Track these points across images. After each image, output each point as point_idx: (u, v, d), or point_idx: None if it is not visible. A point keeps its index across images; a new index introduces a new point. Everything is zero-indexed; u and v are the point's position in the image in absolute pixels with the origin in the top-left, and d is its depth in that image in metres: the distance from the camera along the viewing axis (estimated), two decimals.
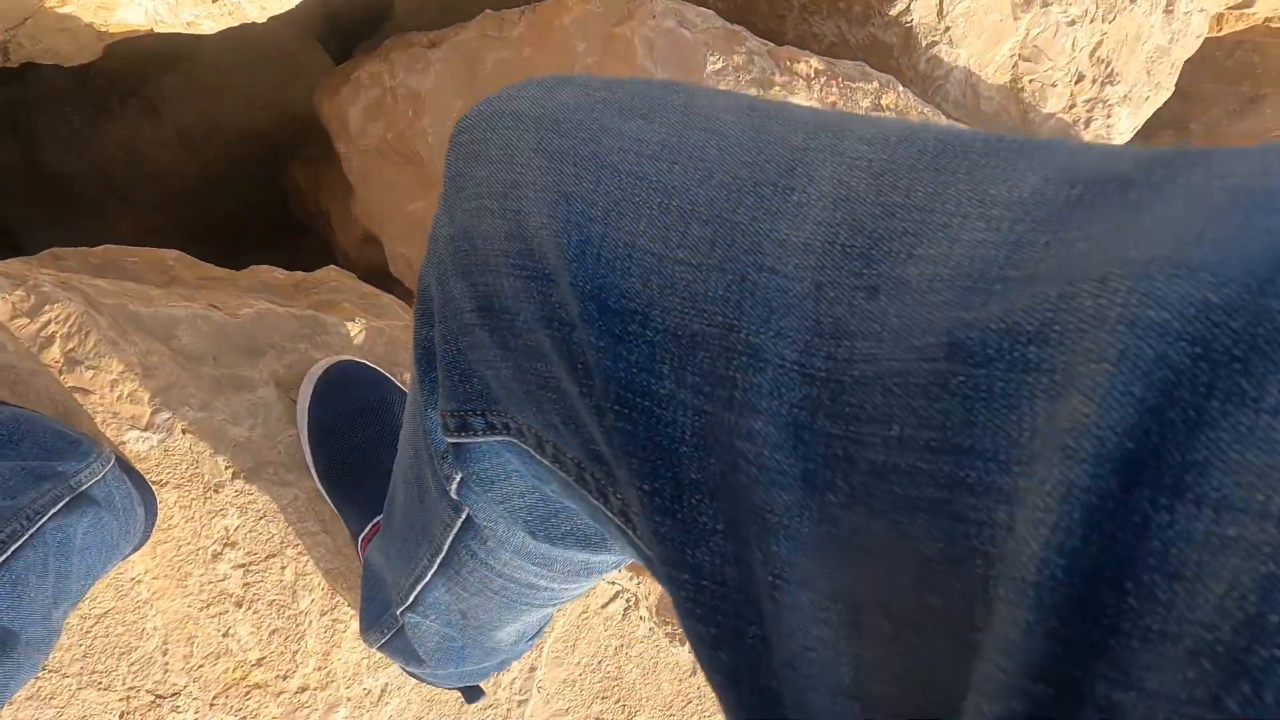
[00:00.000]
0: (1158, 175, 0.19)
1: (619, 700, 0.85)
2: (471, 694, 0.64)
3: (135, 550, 0.58)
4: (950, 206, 0.21)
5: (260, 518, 0.64)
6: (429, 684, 0.68)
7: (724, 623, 0.24)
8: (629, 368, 0.26)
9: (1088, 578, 0.16)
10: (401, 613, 0.52)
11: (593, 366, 0.27)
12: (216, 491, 0.63)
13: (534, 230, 0.28)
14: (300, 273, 0.84)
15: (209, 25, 0.76)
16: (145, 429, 0.60)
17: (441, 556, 0.44)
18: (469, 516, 0.40)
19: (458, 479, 0.38)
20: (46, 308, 0.58)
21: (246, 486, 0.64)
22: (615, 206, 0.27)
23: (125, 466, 0.56)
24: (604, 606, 0.84)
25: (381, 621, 0.55)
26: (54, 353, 0.58)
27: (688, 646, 0.88)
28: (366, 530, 0.61)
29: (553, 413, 0.30)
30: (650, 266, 0.26)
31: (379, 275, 1.02)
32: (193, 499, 0.62)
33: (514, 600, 0.46)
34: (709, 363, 0.24)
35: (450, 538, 0.43)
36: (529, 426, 0.32)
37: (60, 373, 0.58)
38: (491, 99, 0.33)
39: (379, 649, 0.58)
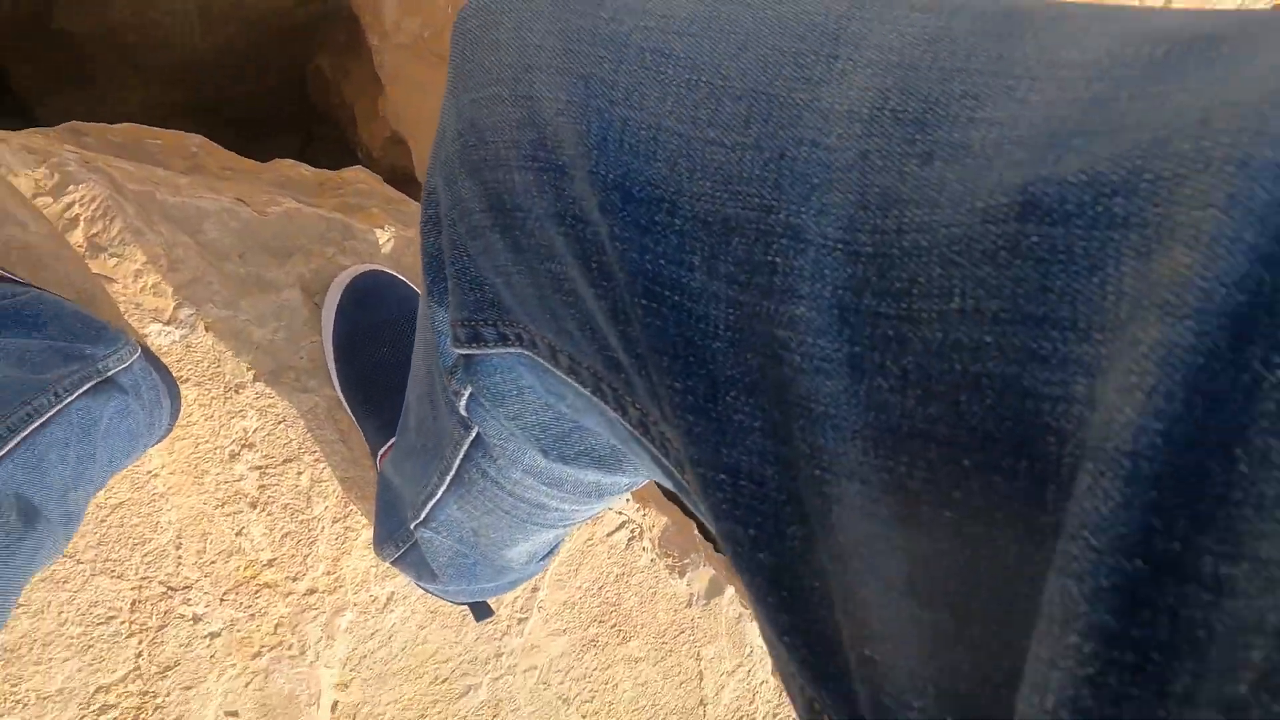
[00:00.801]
0: (1253, 29, 0.17)
1: (615, 625, 0.87)
2: (480, 611, 0.64)
3: (158, 442, 0.57)
4: (1017, 70, 0.20)
5: (279, 422, 0.64)
6: (440, 599, 0.69)
7: (764, 523, 0.23)
8: (656, 260, 0.24)
9: (1191, 444, 0.15)
10: (415, 527, 0.51)
11: (613, 263, 0.25)
12: (237, 392, 0.62)
13: (549, 117, 0.27)
14: (327, 170, 0.82)
15: None
16: (168, 323, 0.59)
17: (452, 475, 0.44)
18: (479, 434, 0.39)
19: (466, 394, 0.36)
20: (71, 188, 0.55)
21: (267, 390, 0.63)
22: (638, 87, 0.25)
23: (151, 358, 0.55)
24: (609, 535, 0.84)
25: (396, 536, 0.55)
26: (77, 236, 0.56)
27: (687, 579, 0.90)
28: (385, 447, 0.61)
29: (567, 319, 0.28)
30: (678, 149, 0.24)
31: (402, 179, 0.99)
32: (213, 398, 0.61)
33: (524, 520, 0.46)
34: (744, 249, 0.23)
35: (460, 456, 0.42)
36: (542, 336, 0.30)
37: (84, 257, 0.56)
38: None
39: (392, 563, 0.58)
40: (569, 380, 0.30)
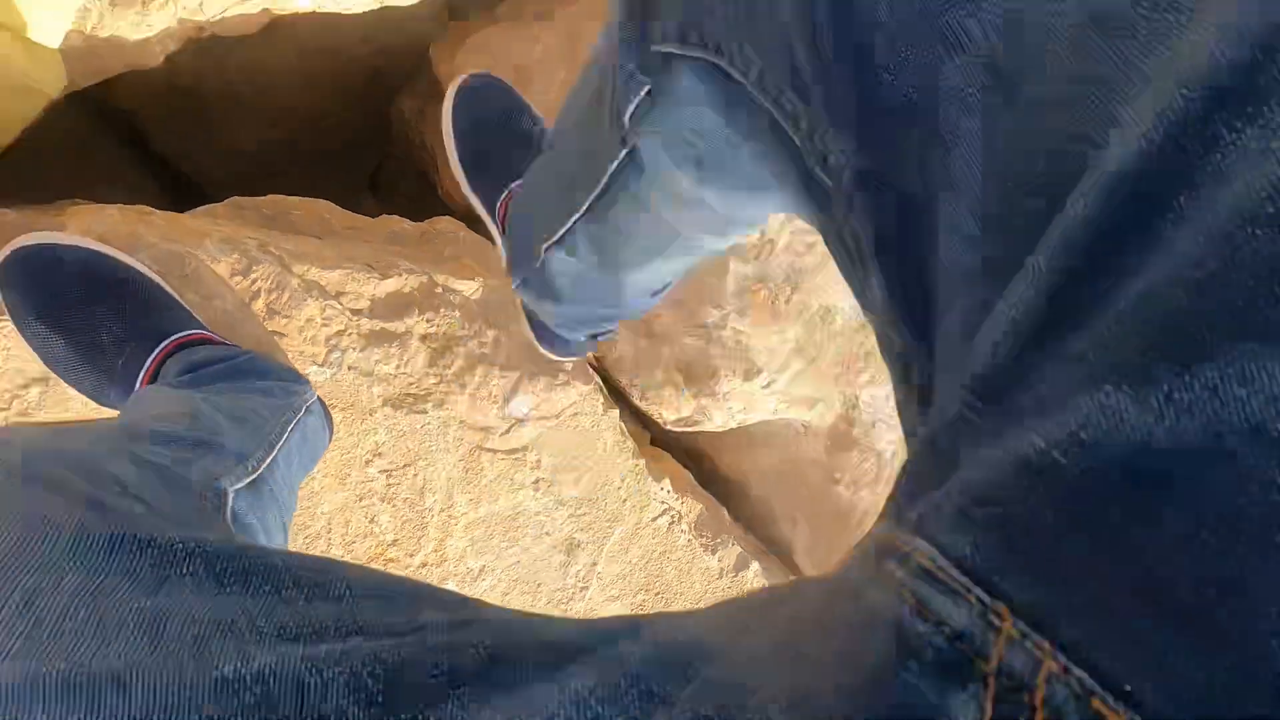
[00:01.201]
0: None
1: (658, 593, 1.05)
2: (596, 337, 0.76)
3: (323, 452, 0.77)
4: None
5: (401, 436, 0.83)
6: (547, 342, 0.84)
7: (899, 226, 0.27)
8: None
9: (1154, 179, 0.19)
10: (546, 248, 0.58)
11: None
12: (370, 415, 0.81)
13: None
14: (424, 224, 1.00)
15: (358, 5, 0.89)
16: (322, 365, 0.78)
17: (597, 192, 0.47)
18: (634, 150, 0.43)
19: (635, 103, 0.39)
20: (254, 269, 0.75)
21: (392, 413, 0.82)
22: None
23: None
24: (654, 520, 1.03)
25: (526, 259, 0.63)
26: (259, 304, 0.75)
27: (718, 555, 1.08)
28: (502, 198, 0.78)
29: (764, 34, 0.31)
30: None
31: (474, 217, 1.17)
32: (353, 419, 0.81)
33: (653, 244, 0.50)
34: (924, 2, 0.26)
35: (610, 171, 0.45)
36: (741, 49, 0.33)
37: (264, 319, 0.75)
38: None
39: (518, 288, 0.70)
40: (754, 93, 0.32)
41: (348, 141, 1.50)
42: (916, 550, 0.20)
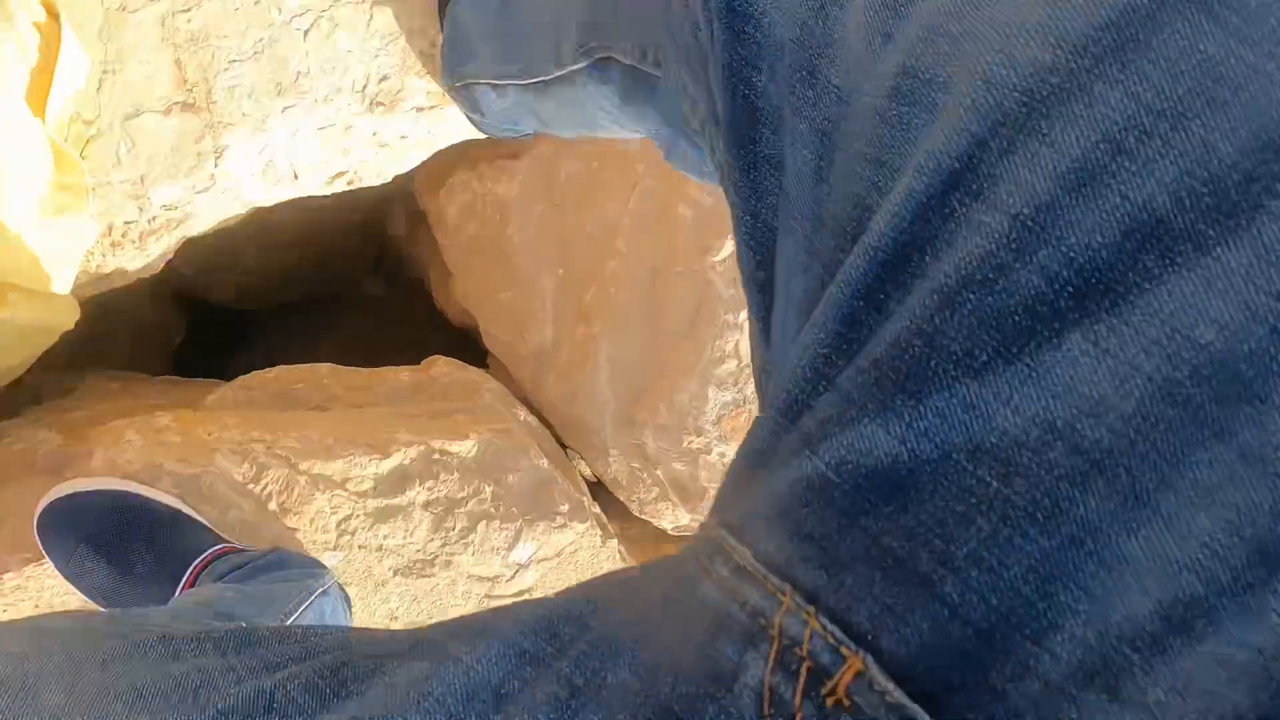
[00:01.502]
0: None
1: None
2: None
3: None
4: None
5: (414, 600, 0.90)
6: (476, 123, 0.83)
7: (765, 254, 0.32)
8: (740, 61, 0.32)
9: (905, 246, 0.24)
10: (477, 84, 0.65)
11: (717, 54, 0.34)
12: (382, 585, 0.88)
13: None
14: (421, 370, 1.06)
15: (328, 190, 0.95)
16: (334, 549, 0.85)
17: (537, 81, 0.55)
18: (586, 71, 0.50)
19: (597, 68, 0.49)
20: (264, 474, 0.81)
21: (403, 580, 0.89)
22: None
23: None
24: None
25: (459, 73, 0.69)
26: (272, 504, 0.82)
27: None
28: None
29: (700, 71, 0.37)
30: None
31: (474, 344, 1.23)
32: (367, 592, 0.87)
33: (581, 125, 0.58)
34: (787, 72, 0.31)
35: (555, 76, 0.53)
36: (684, 79, 0.39)
37: (278, 516, 0.82)
38: None
39: (446, 90, 0.74)
40: (689, 116, 0.40)
41: (352, 249, 1.57)
42: (736, 552, 0.26)
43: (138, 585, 0.71)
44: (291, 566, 0.75)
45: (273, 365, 0.98)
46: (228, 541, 0.75)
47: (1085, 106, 0.21)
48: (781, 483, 0.25)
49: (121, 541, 0.71)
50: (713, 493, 1.08)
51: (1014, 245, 0.21)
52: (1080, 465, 0.20)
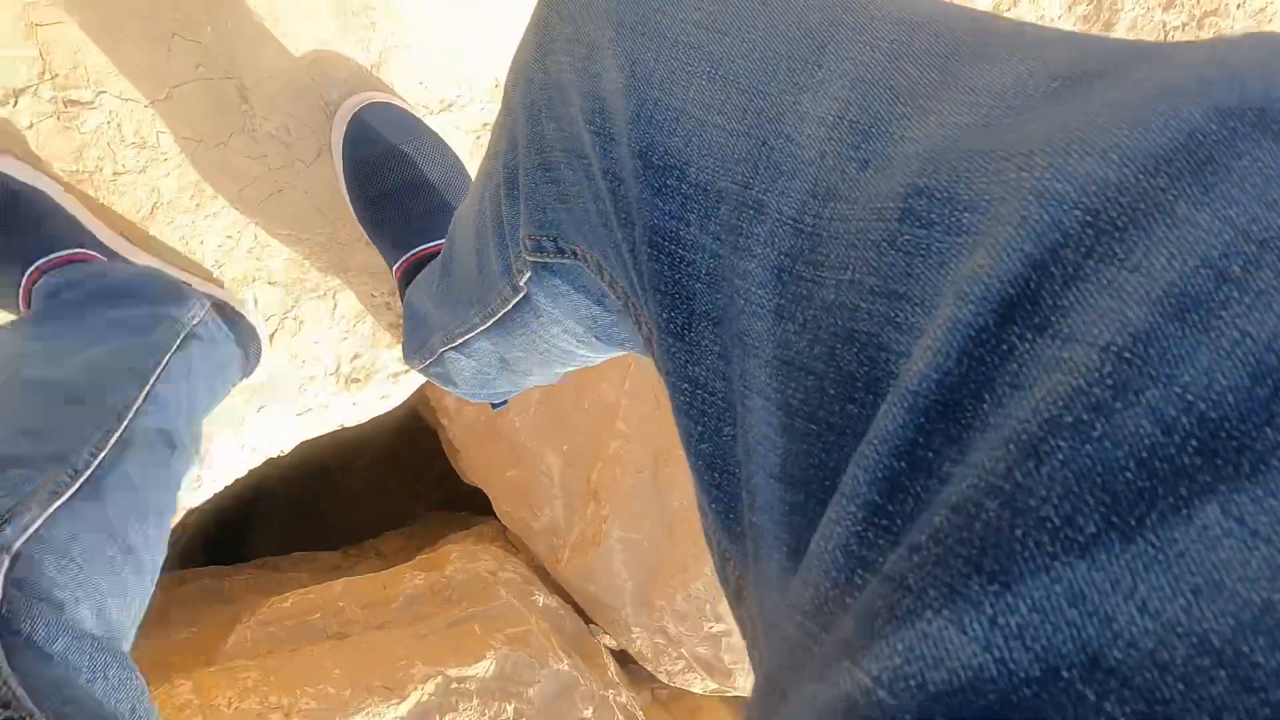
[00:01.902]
0: (1127, 66, 0.21)
1: None
2: (497, 405, 0.72)
3: (244, 377, 0.73)
4: (944, 94, 0.24)
5: None
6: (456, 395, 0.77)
7: (708, 423, 0.29)
8: (664, 216, 0.30)
9: (954, 389, 0.20)
10: (444, 351, 0.60)
11: (635, 215, 0.31)
12: None
13: (608, 93, 0.32)
14: (435, 570, 1.06)
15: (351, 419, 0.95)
16: None
17: (493, 321, 0.50)
18: (528, 297, 0.45)
19: (527, 275, 0.43)
20: None
21: None
22: (671, 76, 0.30)
23: (224, 312, 0.70)
24: None
25: (423, 351, 0.64)
26: None
27: None
28: (400, 261, 0.72)
29: (608, 247, 0.34)
30: (692, 130, 0.29)
31: (483, 506, 1.23)
32: None
33: (552, 361, 0.53)
34: (727, 214, 0.28)
35: (506, 310, 0.48)
36: (592, 256, 0.36)
37: None
38: None
39: (419, 370, 0.70)
40: (610, 291, 0.36)
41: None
42: None
43: None
44: (144, 300, 0.60)
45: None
46: (94, 252, 0.63)
47: (1169, 228, 0.18)
48: (813, 710, 0.19)
49: None
50: (741, 672, 1.07)
51: (1110, 382, 0.17)
52: (1260, 711, 0.14)
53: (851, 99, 0.26)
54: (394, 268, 0.73)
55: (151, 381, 0.54)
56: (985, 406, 0.19)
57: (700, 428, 0.29)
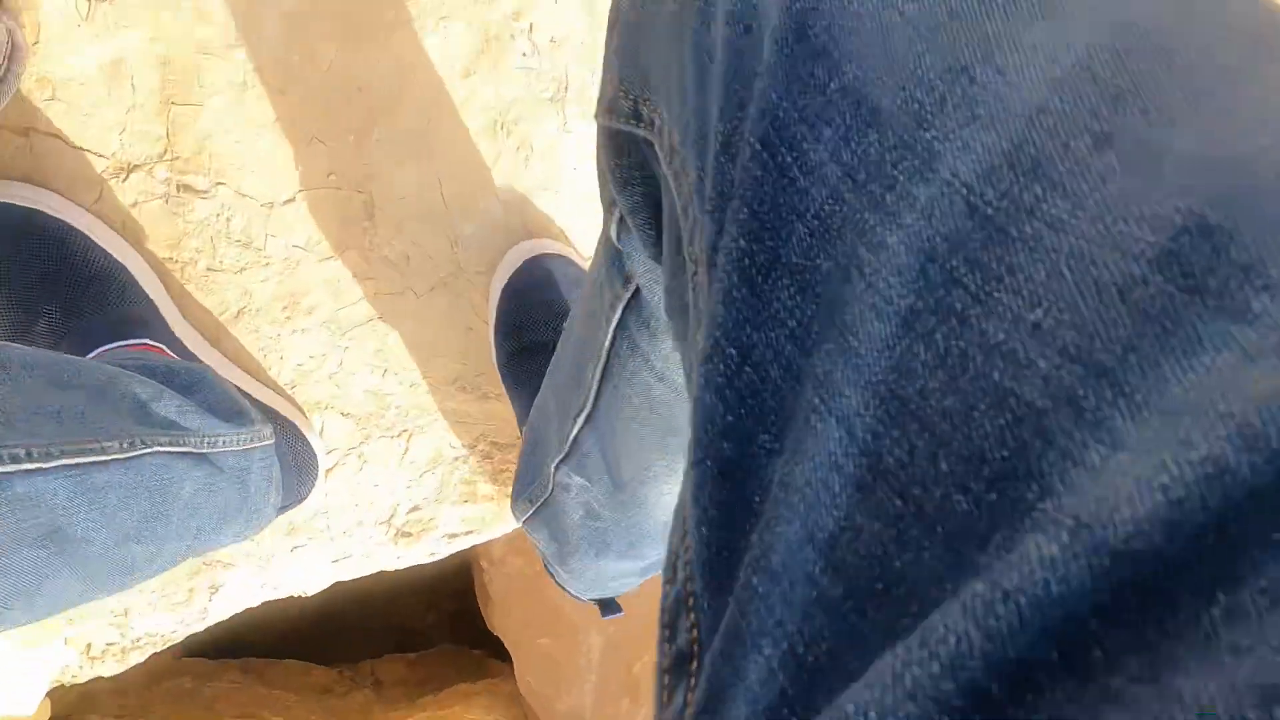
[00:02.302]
0: None
1: None
2: (607, 607, 0.60)
3: (289, 508, 0.61)
4: (1246, 91, 0.17)
5: None
6: (569, 593, 0.66)
7: (744, 416, 0.21)
8: (791, 110, 0.22)
9: (1179, 571, 0.13)
10: (555, 465, 0.51)
11: (752, 93, 0.23)
12: None
13: None
14: None
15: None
16: None
17: (603, 361, 0.42)
18: (636, 292, 0.39)
19: (622, 241, 0.36)
20: None
21: None
22: None
23: (286, 430, 0.59)
24: None
25: (532, 488, 0.56)
26: None
27: None
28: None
29: (692, 120, 0.26)
30: (871, 13, 0.22)
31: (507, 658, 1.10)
32: None
33: (665, 424, 0.43)
34: (878, 148, 0.20)
35: (613, 326, 0.41)
36: (668, 129, 0.28)
37: None
38: None
39: (524, 523, 0.60)
40: (672, 182, 0.28)
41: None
42: None
43: (23, 340, 0.53)
44: (208, 393, 0.51)
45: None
46: (161, 344, 0.56)
47: None
48: None
49: (40, 285, 0.53)
50: None
51: None
52: None
53: (1101, 46, 0.18)
54: (524, 425, 0.66)
55: (74, 459, 0.40)
56: (1215, 610, 0.13)
57: (730, 416, 0.21)
